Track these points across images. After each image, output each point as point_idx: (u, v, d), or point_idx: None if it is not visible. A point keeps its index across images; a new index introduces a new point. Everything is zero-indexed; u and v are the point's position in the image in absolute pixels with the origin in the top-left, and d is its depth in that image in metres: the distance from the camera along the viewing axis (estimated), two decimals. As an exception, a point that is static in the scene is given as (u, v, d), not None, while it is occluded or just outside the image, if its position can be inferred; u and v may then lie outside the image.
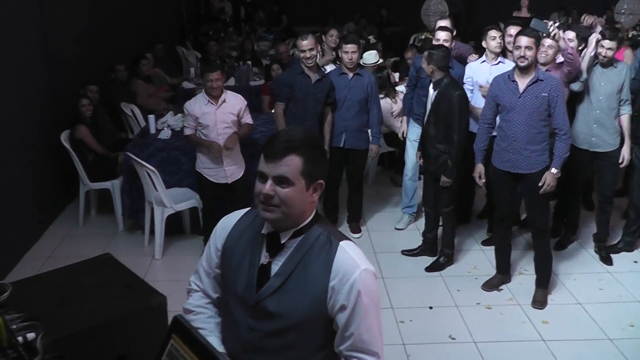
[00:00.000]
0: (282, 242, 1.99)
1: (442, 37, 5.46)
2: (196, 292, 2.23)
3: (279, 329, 1.97)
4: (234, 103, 5.12)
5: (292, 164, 1.89)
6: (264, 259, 2.01)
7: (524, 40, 4.36)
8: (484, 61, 5.46)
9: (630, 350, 4.22)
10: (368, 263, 1.99)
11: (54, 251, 5.58)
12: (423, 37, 9.38)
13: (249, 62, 9.23)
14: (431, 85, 5.03)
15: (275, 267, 1.99)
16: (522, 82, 4.43)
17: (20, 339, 2.17)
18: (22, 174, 5.54)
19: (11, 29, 5.38)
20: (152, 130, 6.01)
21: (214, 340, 2.07)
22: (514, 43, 4.57)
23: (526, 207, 4.79)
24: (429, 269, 5.27)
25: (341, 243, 1.98)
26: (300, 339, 1.99)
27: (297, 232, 1.99)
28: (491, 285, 5.01)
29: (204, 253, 2.20)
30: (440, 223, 5.43)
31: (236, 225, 2.12)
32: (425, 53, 4.98)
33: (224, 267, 2.11)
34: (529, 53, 4.35)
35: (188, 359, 1.76)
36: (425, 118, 5.12)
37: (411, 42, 11.52)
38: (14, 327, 2.24)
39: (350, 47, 5.42)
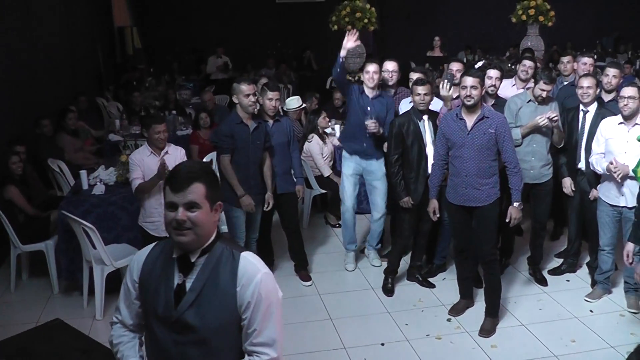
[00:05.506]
0: (193, 261, 2.26)
1: (455, 67, 5.97)
2: (115, 324, 2.52)
3: (200, 338, 2.24)
4: (175, 154, 5.27)
5: (197, 190, 2.19)
6: (178, 279, 2.27)
7: (470, 80, 4.54)
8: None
9: (576, 365, 4.40)
10: (267, 269, 2.31)
11: (-14, 320, 5.29)
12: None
13: (174, 112, 9.16)
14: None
15: (189, 284, 2.25)
16: (470, 120, 4.62)
17: None
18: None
19: None
20: (85, 186, 5.83)
21: None
22: (459, 83, 4.68)
23: (476, 238, 4.89)
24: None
25: (242, 254, 2.29)
26: (220, 344, 2.27)
27: (203, 251, 2.27)
28: (457, 310, 5.18)
29: (122, 289, 2.45)
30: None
31: (148, 257, 2.37)
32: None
33: (143, 295, 2.36)
34: (475, 92, 4.54)
35: None
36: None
37: (328, 85, 11.98)
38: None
39: (274, 95, 5.47)
